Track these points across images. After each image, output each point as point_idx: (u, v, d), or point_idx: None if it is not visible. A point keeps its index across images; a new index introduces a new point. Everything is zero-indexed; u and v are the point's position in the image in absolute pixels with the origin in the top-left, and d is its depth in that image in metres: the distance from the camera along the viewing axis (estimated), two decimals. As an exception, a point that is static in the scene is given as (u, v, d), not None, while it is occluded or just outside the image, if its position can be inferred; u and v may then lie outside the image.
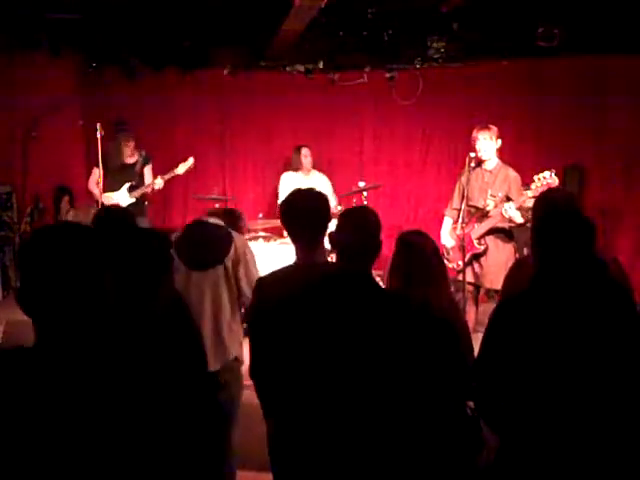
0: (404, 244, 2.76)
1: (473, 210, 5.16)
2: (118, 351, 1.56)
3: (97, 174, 6.28)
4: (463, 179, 5.09)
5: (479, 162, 5.15)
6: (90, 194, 6.55)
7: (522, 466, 2.16)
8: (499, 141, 5.14)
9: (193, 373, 1.77)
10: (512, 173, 5.11)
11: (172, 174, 6.37)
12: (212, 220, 3.57)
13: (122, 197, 6.39)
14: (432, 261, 2.73)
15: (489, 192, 5.09)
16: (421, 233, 2.87)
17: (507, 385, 2.19)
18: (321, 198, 2.77)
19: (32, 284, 1.48)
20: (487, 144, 5.09)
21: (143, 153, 6.54)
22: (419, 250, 2.73)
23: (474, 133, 5.14)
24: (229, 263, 3.43)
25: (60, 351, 1.49)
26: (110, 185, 6.37)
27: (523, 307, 2.25)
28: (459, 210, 5.11)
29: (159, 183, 6.36)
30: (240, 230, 3.80)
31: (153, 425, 1.54)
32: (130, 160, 6.51)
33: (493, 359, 2.23)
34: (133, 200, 6.39)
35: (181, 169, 6.38)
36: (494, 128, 5.13)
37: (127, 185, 6.41)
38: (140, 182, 6.47)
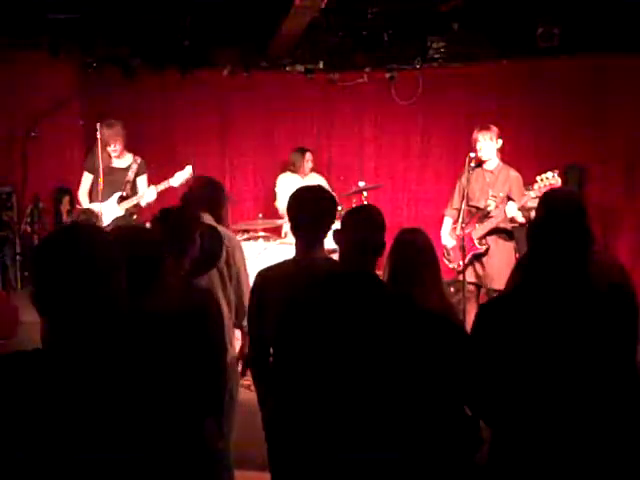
0: (394, 241, 2.77)
1: (474, 210, 5.16)
2: (126, 350, 1.58)
3: (88, 181, 5.71)
4: (463, 179, 5.10)
5: (479, 162, 5.16)
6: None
7: (514, 460, 2.17)
8: (499, 141, 5.14)
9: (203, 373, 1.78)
10: (513, 173, 5.11)
11: (166, 185, 5.52)
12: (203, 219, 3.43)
13: (110, 209, 5.57)
14: (417, 258, 2.71)
15: (490, 192, 5.09)
16: (414, 231, 2.85)
17: (493, 382, 2.20)
18: (328, 197, 2.84)
19: (46, 285, 1.50)
20: (487, 145, 5.09)
21: (139, 160, 5.76)
22: (402, 247, 2.72)
23: (474, 134, 5.14)
24: (222, 264, 3.40)
25: (74, 352, 1.51)
26: (96, 193, 5.60)
27: (506, 306, 2.26)
28: (459, 210, 5.12)
29: (151, 195, 5.55)
30: (225, 205, 3.69)
31: (154, 423, 1.55)
32: (120, 163, 5.71)
33: (479, 357, 2.24)
34: (122, 213, 5.60)
35: (177, 180, 5.51)
36: (494, 128, 5.13)
37: (117, 195, 5.61)
38: (132, 192, 5.67)
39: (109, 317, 1.54)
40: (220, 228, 3.49)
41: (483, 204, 5.12)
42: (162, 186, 5.55)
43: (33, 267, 1.54)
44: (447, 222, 5.43)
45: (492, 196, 5.07)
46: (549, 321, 2.14)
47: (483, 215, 5.12)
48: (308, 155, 7.02)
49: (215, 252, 3.39)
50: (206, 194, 3.65)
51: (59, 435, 1.44)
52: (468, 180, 5.01)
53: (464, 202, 5.03)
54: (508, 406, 2.17)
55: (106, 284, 1.53)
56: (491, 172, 5.16)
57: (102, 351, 1.52)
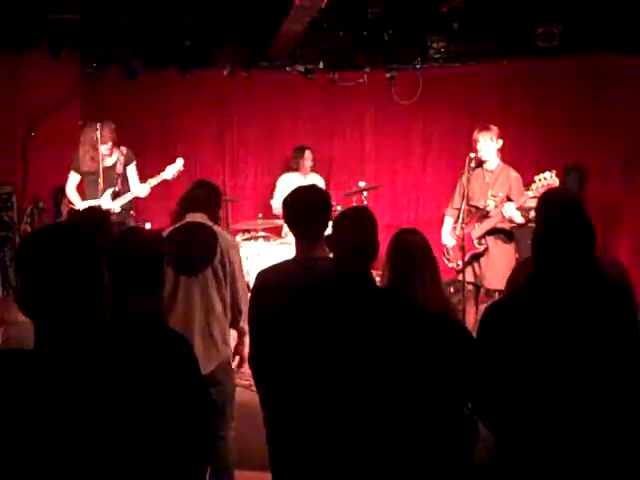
0: (391, 242, 2.77)
1: (474, 210, 5.16)
2: (113, 352, 1.57)
3: (74, 179, 5.72)
4: (464, 179, 5.10)
5: (480, 162, 5.16)
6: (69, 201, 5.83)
7: (518, 465, 2.16)
8: (500, 141, 5.14)
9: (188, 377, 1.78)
10: (513, 173, 5.11)
11: (159, 179, 5.52)
12: (196, 219, 3.53)
13: (105, 206, 5.50)
14: (416, 259, 2.71)
15: (490, 192, 5.09)
16: (411, 231, 2.86)
17: (500, 384, 2.20)
18: (323, 194, 2.86)
19: (31, 285, 1.49)
20: (487, 145, 5.09)
21: (124, 150, 5.67)
22: (402, 248, 2.73)
23: (475, 134, 5.14)
24: (217, 263, 3.41)
25: (59, 352, 1.50)
26: (88, 191, 5.64)
27: (513, 308, 2.26)
28: (460, 210, 5.12)
29: (145, 189, 5.55)
30: (220, 206, 3.79)
31: (147, 425, 1.55)
32: (109, 161, 5.63)
33: (485, 359, 2.23)
34: (118, 210, 5.56)
35: (169, 173, 5.50)
36: (494, 129, 5.13)
37: (110, 191, 5.57)
38: (124, 186, 5.64)
39: (93, 318, 1.53)
40: (215, 228, 3.53)
41: (483, 204, 5.12)
42: (155, 180, 5.54)
43: (16, 268, 1.54)
44: (448, 222, 5.43)
45: (492, 196, 5.07)
46: (560, 322, 2.13)
47: (482, 215, 5.13)
48: (307, 153, 7.01)
49: (209, 250, 3.40)
50: (202, 195, 3.67)
51: (50, 434, 1.44)
52: (468, 180, 5.02)
53: (464, 202, 5.03)
54: (515, 408, 2.16)
55: (86, 284, 1.52)
56: (491, 172, 5.16)
57: (87, 352, 1.51)
